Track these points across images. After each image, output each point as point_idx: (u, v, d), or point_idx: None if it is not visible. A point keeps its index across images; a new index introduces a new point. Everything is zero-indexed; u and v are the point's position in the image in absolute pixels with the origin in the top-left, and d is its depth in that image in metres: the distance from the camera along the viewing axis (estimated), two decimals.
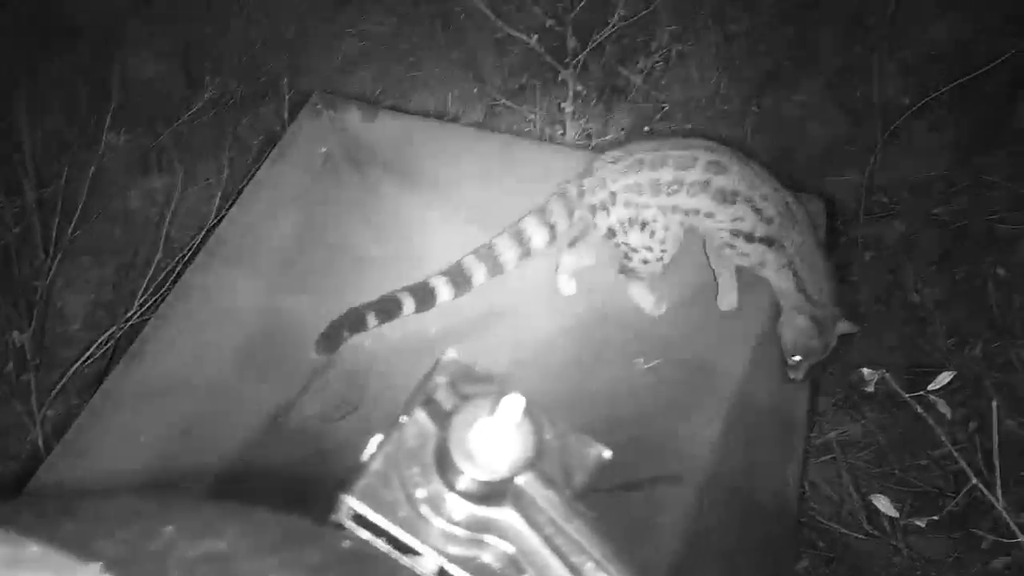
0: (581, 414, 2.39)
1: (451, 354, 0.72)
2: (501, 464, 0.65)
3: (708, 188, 2.63)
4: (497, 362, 2.44)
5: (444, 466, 0.66)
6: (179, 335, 2.69)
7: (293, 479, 2.11)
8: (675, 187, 2.62)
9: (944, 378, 2.17)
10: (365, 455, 0.68)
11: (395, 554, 0.66)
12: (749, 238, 2.67)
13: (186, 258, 3.17)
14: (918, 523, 2.47)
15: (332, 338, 2.58)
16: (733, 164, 2.66)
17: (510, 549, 0.67)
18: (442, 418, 0.68)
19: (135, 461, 2.46)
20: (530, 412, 0.65)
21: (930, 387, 2.18)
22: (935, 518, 2.50)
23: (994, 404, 2.38)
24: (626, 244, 2.67)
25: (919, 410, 2.24)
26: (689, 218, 2.68)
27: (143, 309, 3.26)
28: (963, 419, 3.31)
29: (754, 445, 2.62)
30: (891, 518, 2.70)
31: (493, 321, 2.68)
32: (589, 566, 0.66)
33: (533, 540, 0.67)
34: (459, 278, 2.64)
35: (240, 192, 3.00)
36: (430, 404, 0.70)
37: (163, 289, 3.22)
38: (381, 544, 0.66)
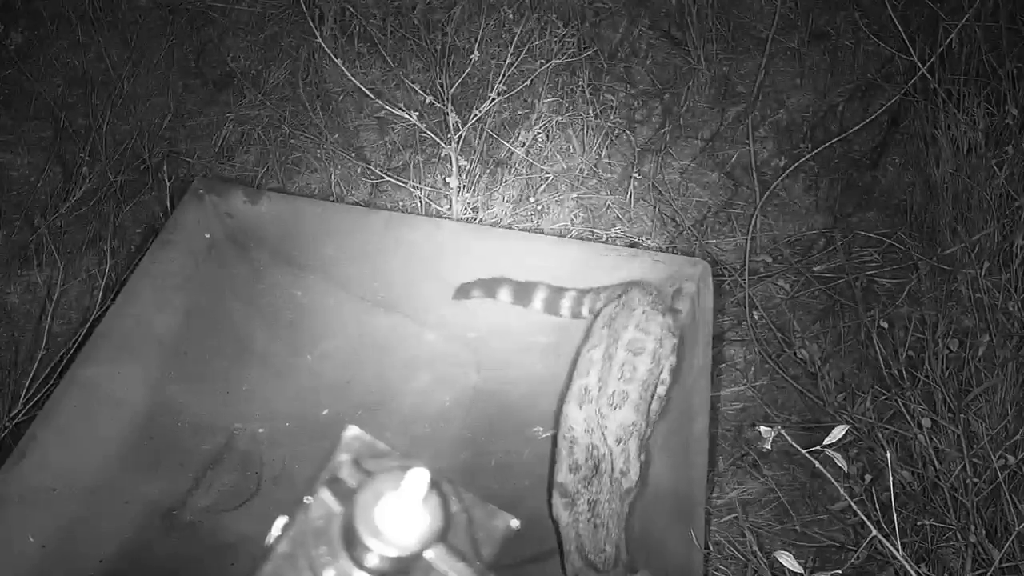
0: (482, 486, 2.39)
1: (353, 431, 0.72)
2: (409, 539, 0.64)
3: None
4: (394, 438, 2.44)
5: (352, 544, 0.65)
6: (65, 430, 2.62)
7: (193, 574, 2.08)
8: None
9: (838, 432, 2.19)
10: (270, 538, 0.67)
11: None
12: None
13: (71, 352, 3.11)
14: None
15: (463, 290, 2.76)
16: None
17: None
18: (347, 496, 0.67)
19: (25, 564, 2.40)
20: (436, 485, 0.65)
21: (826, 442, 2.21)
22: (839, 572, 2.51)
23: (888, 455, 2.42)
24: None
25: (817, 465, 2.27)
26: None
27: (28, 407, 3.19)
28: (859, 472, 3.35)
29: (653, 514, 2.63)
30: (796, 574, 2.71)
31: (383, 397, 2.66)
32: None
33: None
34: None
35: (124, 282, 2.96)
36: (334, 482, 0.69)
37: (48, 385, 3.15)
38: None
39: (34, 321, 3.57)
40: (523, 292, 2.66)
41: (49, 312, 3.45)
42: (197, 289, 2.90)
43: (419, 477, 0.64)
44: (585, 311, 2.66)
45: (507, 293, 2.69)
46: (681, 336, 2.43)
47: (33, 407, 3.16)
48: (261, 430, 2.64)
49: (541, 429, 2.69)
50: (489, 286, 2.71)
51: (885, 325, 3.63)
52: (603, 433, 2.20)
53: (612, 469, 2.25)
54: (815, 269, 4.07)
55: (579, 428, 2.22)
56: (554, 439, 2.32)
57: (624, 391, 2.24)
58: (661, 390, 2.38)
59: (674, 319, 2.42)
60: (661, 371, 2.35)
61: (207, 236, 2.98)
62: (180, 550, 2.43)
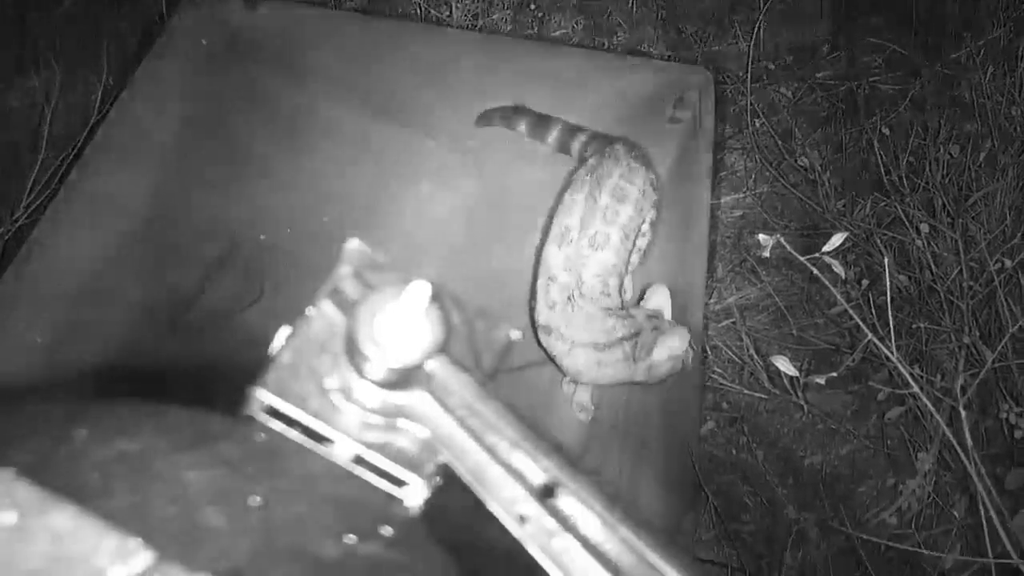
0: (484, 296, 2.41)
1: (354, 243, 0.72)
2: (410, 350, 0.65)
3: None
4: (394, 248, 2.44)
5: (353, 355, 0.66)
6: (69, 236, 2.64)
7: (199, 376, 2.11)
8: None
9: (837, 239, 2.20)
10: (273, 348, 0.68)
11: (310, 444, 0.67)
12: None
13: (71, 157, 3.10)
14: (818, 380, 2.52)
15: (486, 117, 2.71)
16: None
17: (424, 433, 0.67)
18: (349, 307, 0.68)
19: (33, 364, 2.44)
20: (436, 297, 0.65)
21: (824, 248, 2.22)
22: (834, 374, 2.56)
23: (885, 261, 2.43)
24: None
25: (814, 271, 2.29)
26: None
27: (29, 211, 3.20)
28: (856, 277, 3.38)
29: None
30: (792, 377, 2.76)
31: (383, 204, 2.66)
32: (503, 445, 0.66)
33: (447, 423, 0.67)
34: None
35: (122, 89, 2.94)
36: (336, 294, 0.70)
37: (49, 189, 3.16)
38: (295, 435, 0.67)
39: (33, 126, 3.55)
40: (541, 127, 2.63)
41: (48, 117, 3.43)
42: (195, 97, 2.88)
43: (420, 289, 0.64)
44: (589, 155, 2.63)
45: (525, 126, 2.66)
46: (662, 195, 2.38)
47: (34, 211, 3.17)
48: (263, 237, 2.65)
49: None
50: (509, 117, 2.68)
51: (887, 131, 3.61)
52: (580, 272, 2.18)
53: (592, 295, 2.22)
54: (818, 75, 4.03)
55: (558, 268, 2.20)
56: (533, 279, 2.29)
57: (606, 233, 2.20)
58: (642, 243, 2.33)
59: (656, 176, 2.37)
60: (643, 222, 2.30)
61: (204, 43, 2.94)
62: (184, 353, 2.47)
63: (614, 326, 2.13)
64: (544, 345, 2.21)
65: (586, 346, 2.14)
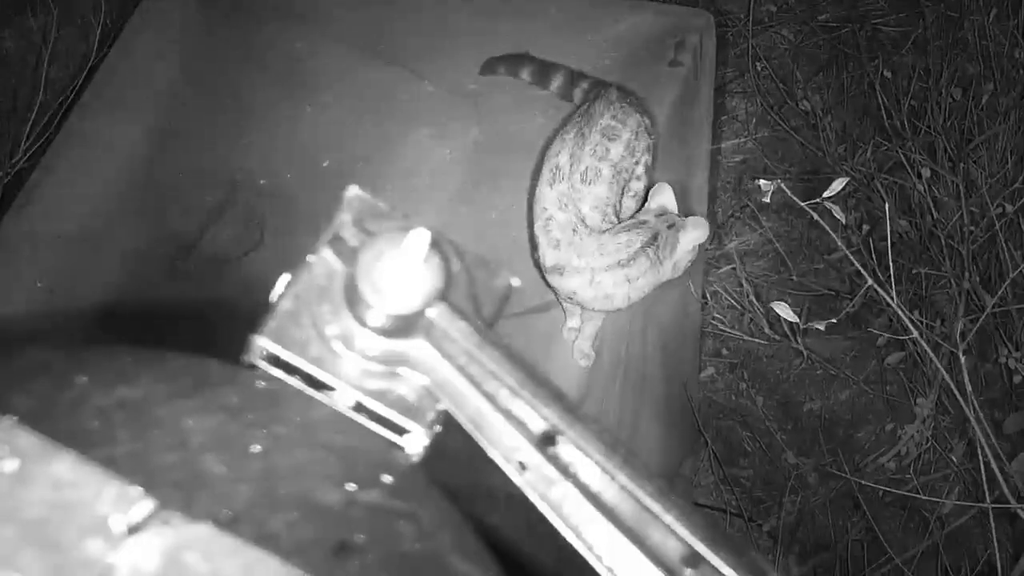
0: (484, 243, 2.41)
1: (353, 191, 0.72)
2: (410, 298, 0.65)
3: None
4: (394, 195, 2.44)
5: (354, 303, 0.66)
6: (68, 180, 2.65)
7: (199, 322, 2.11)
8: None
9: (838, 185, 2.20)
10: (274, 295, 0.68)
11: (310, 391, 0.67)
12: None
13: (69, 100, 3.09)
14: (817, 326, 2.52)
15: (490, 65, 2.72)
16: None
17: (424, 380, 0.67)
18: (349, 255, 0.68)
19: (32, 308, 2.45)
20: (436, 245, 0.65)
21: (825, 194, 2.21)
22: (833, 320, 2.56)
23: (886, 206, 2.43)
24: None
25: (814, 216, 2.28)
26: None
27: (28, 154, 3.20)
28: (857, 222, 3.38)
29: None
30: (792, 323, 2.76)
31: (383, 150, 2.65)
32: (503, 393, 0.67)
33: (446, 370, 0.67)
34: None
35: (119, 31, 2.92)
36: (336, 242, 0.70)
37: (48, 132, 3.15)
38: (295, 382, 0.67)
39: (30, 68, 3.53)
40: (544, 74, 2.62)
41: (45, 58, 3.42)
42: (194, 41, 2.87)
43: (420, 237, 0.64)
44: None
45: (528, 73, 2.65)
46: (657, 141, 2.35)
47: (33, 155, 3.16)
48: (262, 182, 2.65)
49: None
50: (513, 65, 2.67)
51: (888, 74, 3.60)
52: (578, 206, 2.15)
53: (594, 225, 2.19)
54: (820, 18, 4.01)
55: (553, 207, 2.17)
56: (530, 226, 2.25)
57: (597, 168, 2.17)
58: (636, 186, 2.29)
59: (652, 122, 2.33)
60: (636, 163, 2.26)
61: None
62: (185, 297, 2.47)
63: (629, 239, 2.11)
64: (557, 287, 2.17)
65: (610, 268, 2.11)
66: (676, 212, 2.17)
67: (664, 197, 2.19)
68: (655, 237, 2.11)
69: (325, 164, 2.65)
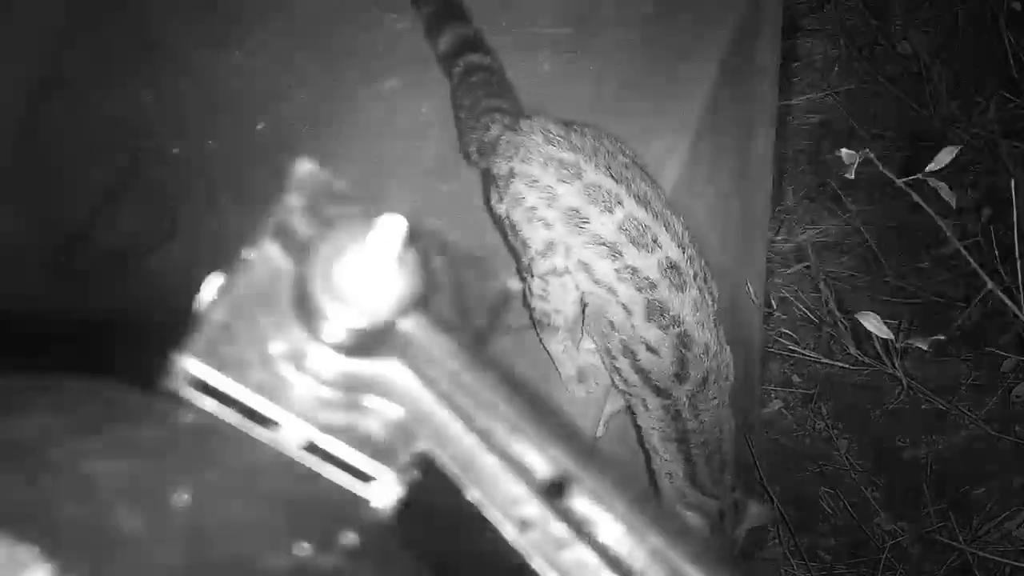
0: (473, 234, 2.42)
1: (305, 166, 0.72)
2: (380, 305, 0.66)
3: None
4: (356, 170, 2.45)
5: (306, 312, 0.67)
6: None
7: (95, 337, 2.12)
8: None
9: (947, 155, 2.19)
10: (201, 303, 0.69)
11: (249, 426, 0.68)
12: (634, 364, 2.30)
13: None
14: (920, 345, 2.53)
15: None
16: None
17: (397, 413, 0.69)
18: (300, 250, 0.69)
19: None
20: (413, 237, 0.66)
21: (929, 167, 2.22)
22: (941, 337, 2.56)
23: (1012, 182, 2.43)
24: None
25: (916, 198, 2.29)
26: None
27: None
28: (974, 205, 3.37)
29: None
30: (885, 340, 2.77)
31: (338, 107, 2.66)
32: (500, 429, 0.68)
33: (426, 400, 0.68)
34: None
35: None
36: (282, 233, 0.70)
37: None
38: (231, 415, 0.68)
39: None
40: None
41: None
42: None
43: (392, 226, 0.65)
44: None
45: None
46: None
47: None
48: (175, 151, 2.65)
49: None
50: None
51: (1018, 6, 3.59)
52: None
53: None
54: None
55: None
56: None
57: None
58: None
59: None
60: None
61: None
62: (76, 304, 2.47)
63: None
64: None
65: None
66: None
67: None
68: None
69: (260, 127, 2.65)
